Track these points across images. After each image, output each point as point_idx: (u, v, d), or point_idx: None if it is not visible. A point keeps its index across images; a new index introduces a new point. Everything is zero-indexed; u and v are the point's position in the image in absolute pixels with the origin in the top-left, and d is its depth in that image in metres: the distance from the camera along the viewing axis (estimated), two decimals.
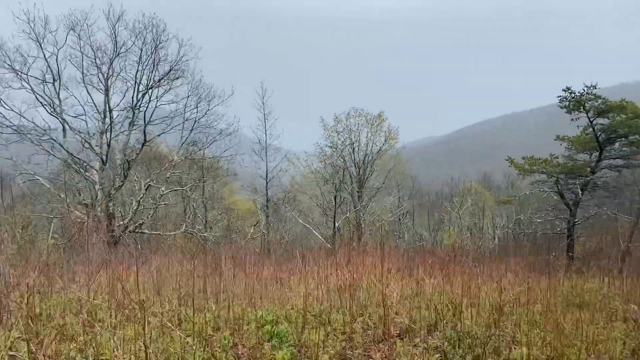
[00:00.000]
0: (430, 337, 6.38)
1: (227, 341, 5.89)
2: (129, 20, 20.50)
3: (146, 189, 21.10)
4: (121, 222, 21.75)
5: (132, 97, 21.21)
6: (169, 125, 22.55)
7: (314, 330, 6.36)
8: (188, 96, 21.98)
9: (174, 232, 23.53)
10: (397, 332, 6.54)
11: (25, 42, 20.37)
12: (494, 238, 36.64)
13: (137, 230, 21.73)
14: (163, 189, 22.23)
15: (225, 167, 24.66)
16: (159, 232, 23.03)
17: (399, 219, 40.26)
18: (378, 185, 33.25)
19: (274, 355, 5.54)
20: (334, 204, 22.63)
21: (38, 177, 22.57)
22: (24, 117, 20.01)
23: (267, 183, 31.29)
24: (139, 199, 20.96)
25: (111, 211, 21.37)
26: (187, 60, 21.19)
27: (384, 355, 5.76)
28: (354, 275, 8.04)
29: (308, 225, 27.36)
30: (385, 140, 32.42)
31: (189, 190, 23.25)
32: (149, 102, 20.79)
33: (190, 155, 22.37)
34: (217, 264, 10.19)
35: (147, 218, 21.89)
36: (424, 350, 5.84)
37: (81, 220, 21.88)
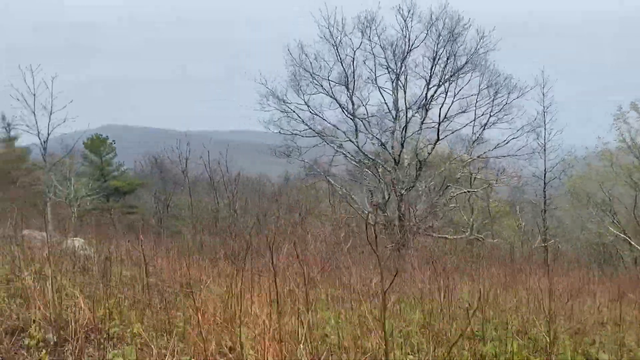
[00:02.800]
0: None
1: None
2: (421, 12, 19.45)
3: (443, 191, 20.06)
4: (410, 224, 21.14)
5: (424, 95, 20.39)
6: (452, 121, 21.17)
7: None
8: (479, 91, 20.25)
9: (460, 236, 22.14)
10: None
11: (320, 47, 20.94)
12: None
13: (427, 232, 20.87)
14: (453, 189, 20.97)
15: (519, 167, 22.21)
16: (445, 236, 21.84)
17: None
18: None
19: None
20: None
21: (329, 179, 23.34)
22: (326, 120, 20.72)
23: (545, 185, 28.04)
24: (434, 200, 20.01)
25: (402, 212, 20.88)
26: (484, 52, 19.52)
27: None
28: None
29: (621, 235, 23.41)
30: None
31: (481, 192, 21.61)
32: (444, 98, 19.67)
33: (484, 154, 20.65)
34: None
35: (438, 220, 20.85)
36: None
37: (373, 221, 21.95)
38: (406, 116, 20.12)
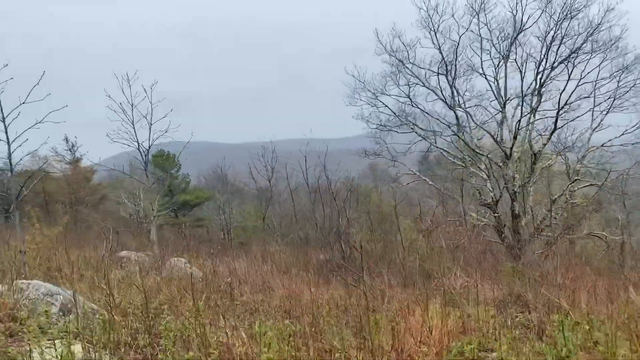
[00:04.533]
0: None
1: None
2: None
3: (571, 184, 17.90)
4: (523, 223, 19.00)
5: (538, 80, 18.25)
6: (573, 108, 18.76)
7: None
8: (598, 72, 17.94)
9: (577, 235, 19.89)
10: None
11: (415, 32, 19.15)
12: None
13: (547, 231, 18.70)
14: (572, 183, 18.69)
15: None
16: (566, 234, 19.56)
17: None
18: None
19: None
20: None
21: (425, 178, 21.50)
22: (429, 114, 18.94)
23: None
24: (556, 196, 17.85)
25: (516, 212, 18.76)
26: (607, 28, 17.23)
27: None
28: None
29: None
30: None
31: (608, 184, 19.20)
32: (567, 82, 17.50)
33: (610, 142, 18.33)
34: None
35: (559, 218, 18.62)
36: None
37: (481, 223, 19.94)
38: (522, 104, 18.04)
